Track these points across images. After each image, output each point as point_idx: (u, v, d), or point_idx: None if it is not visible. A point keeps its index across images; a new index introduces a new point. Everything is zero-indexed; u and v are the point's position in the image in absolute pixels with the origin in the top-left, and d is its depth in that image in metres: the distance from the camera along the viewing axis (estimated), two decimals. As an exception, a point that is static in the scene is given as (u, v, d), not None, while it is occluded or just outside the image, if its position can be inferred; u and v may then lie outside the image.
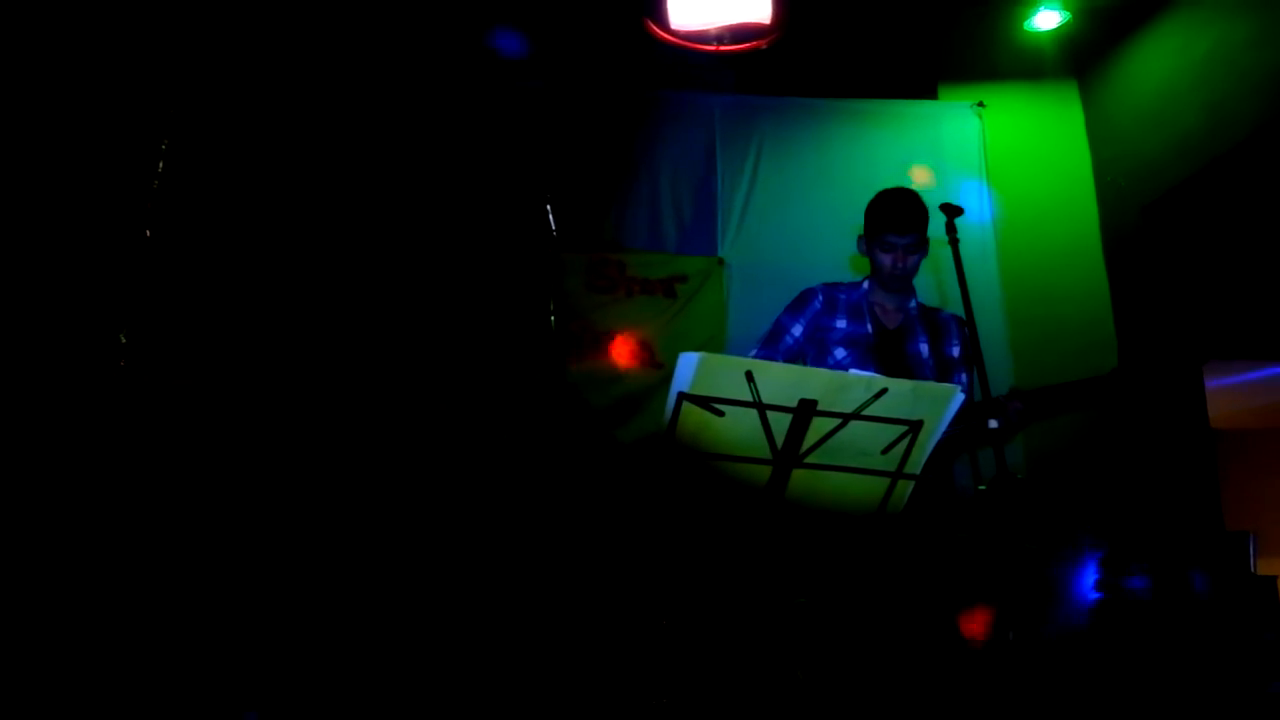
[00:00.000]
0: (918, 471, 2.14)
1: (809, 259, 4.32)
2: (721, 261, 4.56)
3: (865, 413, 2.05)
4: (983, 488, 2.48)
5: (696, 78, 4.72)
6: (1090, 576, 3.64)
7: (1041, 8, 4.57)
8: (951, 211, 2.56)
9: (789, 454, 2.07)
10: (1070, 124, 4.99)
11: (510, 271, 4.17)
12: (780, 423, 2.04)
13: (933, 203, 2.75)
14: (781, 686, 2.39)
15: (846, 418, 2.04)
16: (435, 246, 4.22)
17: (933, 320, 2.85)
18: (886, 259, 2.76)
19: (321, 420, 3.56)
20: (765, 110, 4.77)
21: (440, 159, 4.40)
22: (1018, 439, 4.23)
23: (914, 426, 2.08)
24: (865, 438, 2.08)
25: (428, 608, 3.16)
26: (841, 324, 2.82)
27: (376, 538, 3.32)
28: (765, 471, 2.09)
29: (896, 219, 2.74)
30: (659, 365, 4.34)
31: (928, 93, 4.95)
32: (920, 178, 4.54)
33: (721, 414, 2.04)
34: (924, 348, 2.79)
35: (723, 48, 4.40)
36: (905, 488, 2.15)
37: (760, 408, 2.01)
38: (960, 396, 2.09)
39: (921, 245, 2.76)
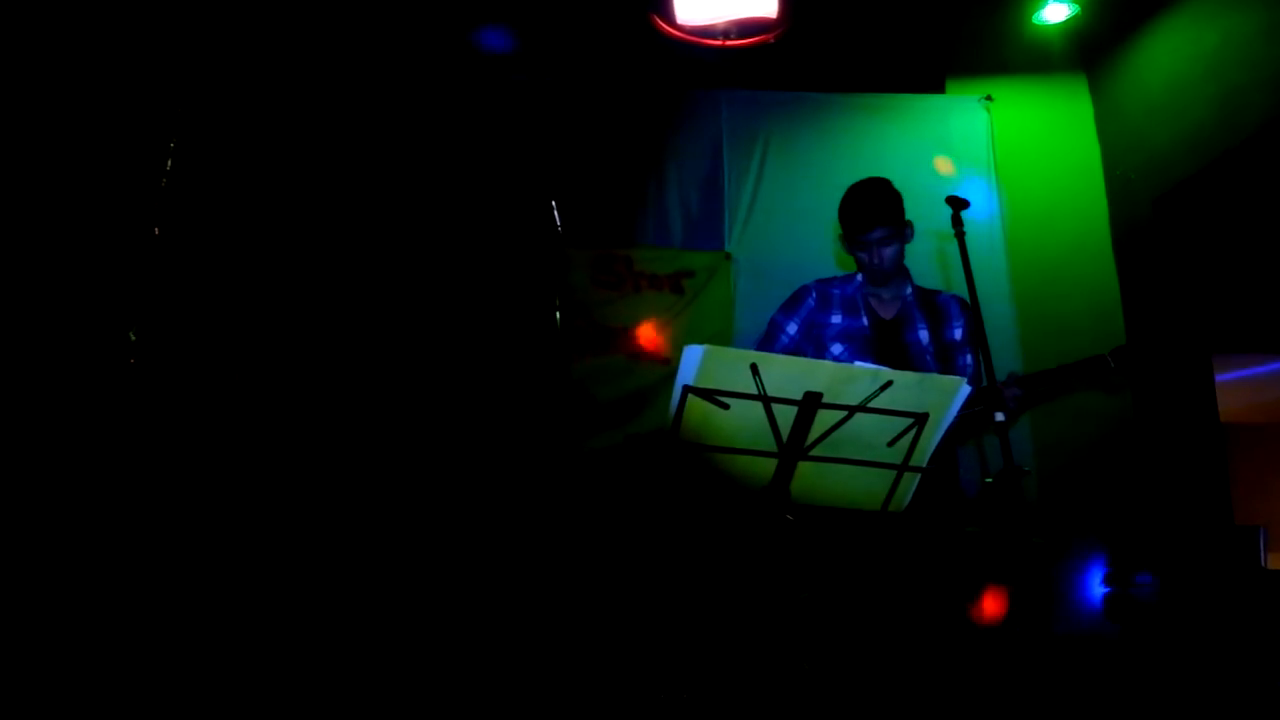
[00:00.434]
0: (924, 464, 2.13)
1: (816, 253, 4.31)
2: (729, 256, 4.55)
3: (871, 405, 2.04)
4: (989, 481, 2.47)
5: (703, 73, 4.71)
6: (1099, 571, 3.62)
7: (1050, 1, 4.54)
8: (957, 204, 2.56)
9: (794, 447, 2.07)
10: (1079, 117, 4.96)
11: (514, 268, 4.18)
12: (785, 415, 2.04)
13: (939, 195, 2.74)
14: (787, 680, 2.39)
15: (852, 410, 2.04)
16: (439, 243, 4.23)
17: (932, 304, 2.83)
18: (862, 256, 2.76)
19: (326, 414, 3.58)
20: (772, 105, 4.75)
21: (444, 156, 4.41)
22: (1026, 433, 4.21)
23: (920, 419, 2.07)
24: (871, 430, 2.08)
25: (432, 601, 3.17)
26: (836, 319, 2.81)
27: (382, 531, 3.34)
28: (770, 464, 2.09)
29: (857, 218, 2.74)
30: (666, 360, 4.33)
31: (935, 87, 4.92)
32: (943, 168, 4.51)
33: (726, 407, 2.04)
34: (923, 334, 2.78)
35: (729, 42, 4.39)
36: (911, 481, 2.14)
37: (765, 400, 2.01)
38: (966, 389, 2.09)
39: (895, 236, 2.74)
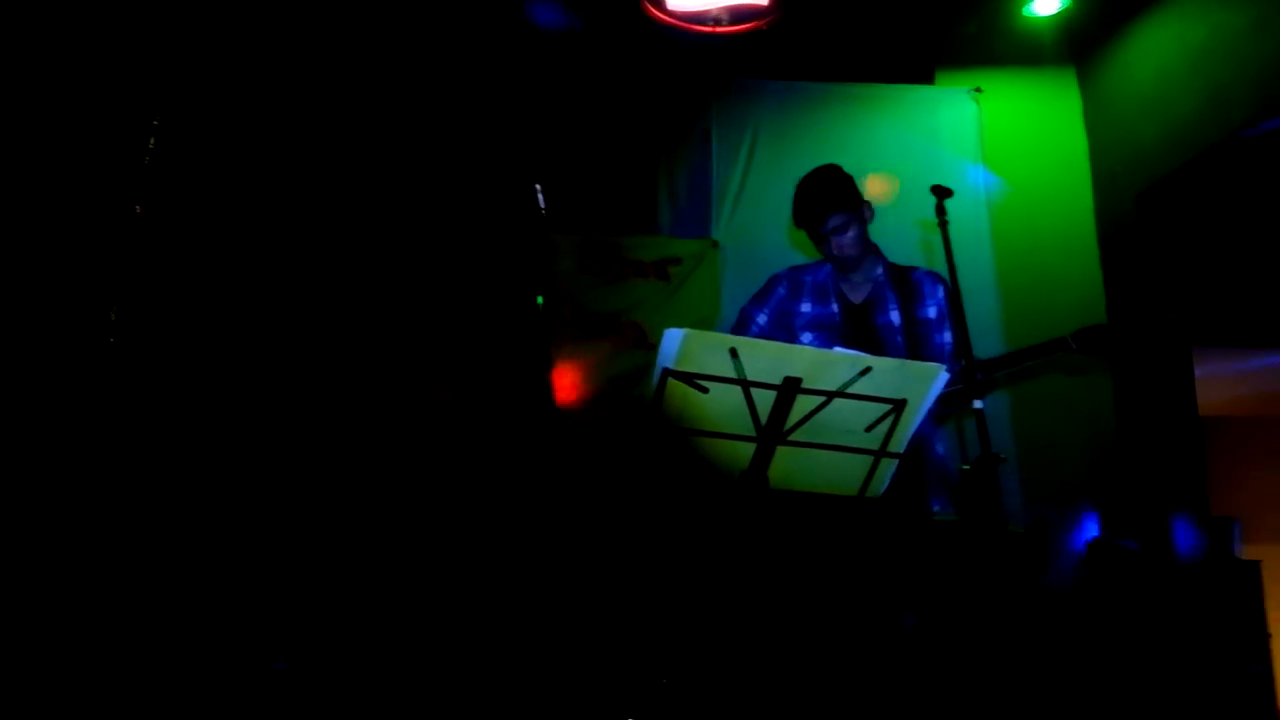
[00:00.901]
0: (901, 450, 2.15)
1: (803, 242, 4.32)
2: (716, 244, 4.56)
3: (850, 391, 2.06)
4: (966, 467, 2.49)
5: (693, 60, 4.70)
6: (1077, 557, 3.66)
7: (1041, -7, 4.55)
8: (941, 193, 2.56)
9: (773, 431, 2.09)
10: (1068, 110, 4.98)
11: (497, 253, 4.17)
12: (764, 400, 2.06)
13: (927, 185, 2.74)
14: (759, 662, 2.41)
15: (830, 395, 2.06)
16: (421, 228, 4.21)
17: (904, 282, 2.81)
18: (825, 247, 2.76)
19: (305, 401, 3.57)
20: (762, 93, 4.75)
21: (427, 141, 4.39)
22: (1006, 423, 4.24)
23: (898, 405, 2.09)
24: (849, 416, 2.10)
25: (411, 587, 3.18)
26: (806, 308, 2.81)
27: (362, 519, 3.34)
28: (749, 449, 2.11)
29: (810, 211, 2.74)
30: (651, 346, 4.34)
31: (925, 78, 4.93)
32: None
33: (706, 390, 2.06)
34: (895, 316, 2.76)
35: (720, 29, 4.39)
36: (888, 466, 2.16)
37: (745, 384, 2.02)
38: (945, 376, 2.10)
39: (851, 223, 2.74)
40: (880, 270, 2.83)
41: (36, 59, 3.38)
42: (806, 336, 2.76)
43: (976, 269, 4.38)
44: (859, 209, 2.76)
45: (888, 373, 2.07)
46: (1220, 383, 4.30)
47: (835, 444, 2.12)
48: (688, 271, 4.49)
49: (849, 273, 2.81)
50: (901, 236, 4.05)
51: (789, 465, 2.15)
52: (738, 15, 4.35)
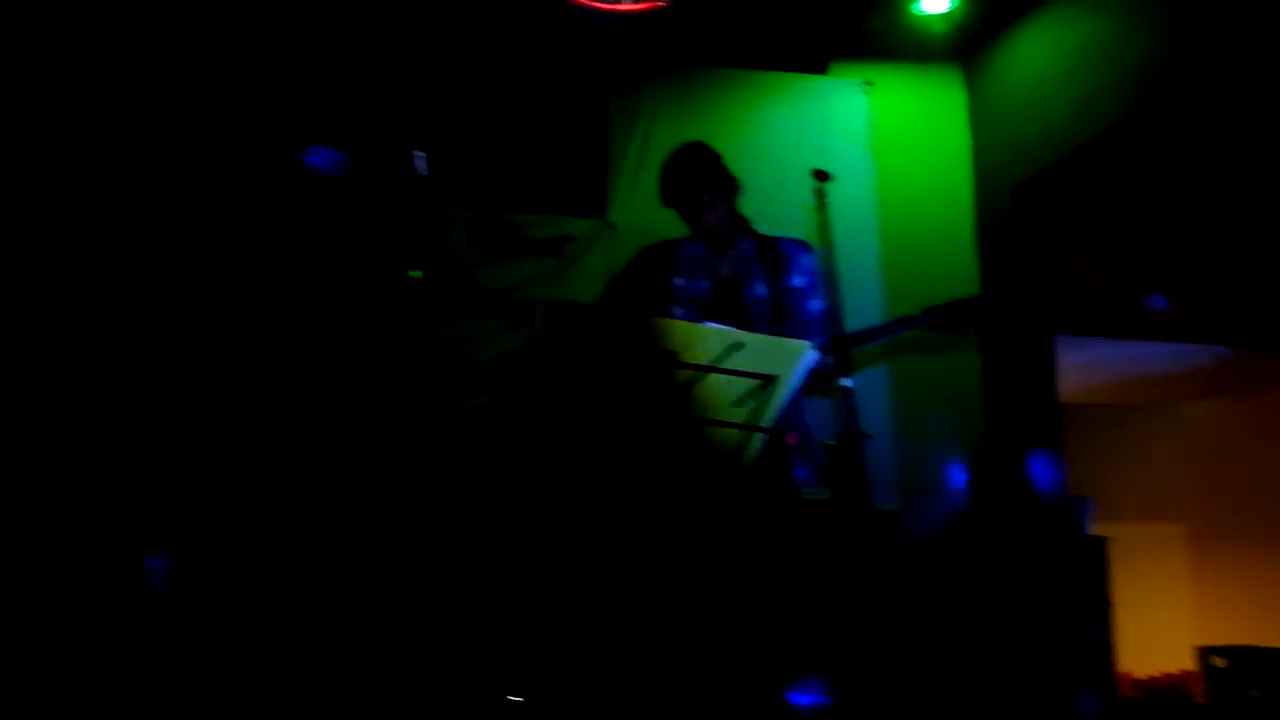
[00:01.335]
0: (770, 424, 2.22)
1: (697, 224, 4.38)
2: (611, 225, 4.58)
3: (720, 366, 2.12)
4: (832, 443, 2.59)
5: (593, 39, 4.69)
6: (942, 532, 3.86)
7: (930, -9, 4.70)
8: (821, 177, 2.63)
9: (646, 403, 2.13)
10: (954, 107, 5.16)
11: (370, 225, 4.03)
12: (638, 373, 2.09)
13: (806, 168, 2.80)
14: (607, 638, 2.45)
15: (701, 370, 2.11)
16: (287, 202, 4.05)
17: (772, 253, 2.87)
18: (693, 224, 2.82)
19: (156, 391, 3.43)
20: (660, 76, 4.78)
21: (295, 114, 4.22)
22: (885, 401, 4.39)
23: (767, 380, 2.16)
24: (719, 390, 2.15)
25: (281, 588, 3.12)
26: (680, 281, 2.86)
27: (223, 512, 3.24)
28: (622, 419, 2.14)
29: (674, 191, 2.80)
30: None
31: (819, 69, 5.04)
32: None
33: (586, 363, 2.08)
34: (761, 289, 2.83)
35: (620, 7, 4.39)
36: (756, 441, 2.23)
37: (616, 358, 2.06)
38: (813, 355, 2.18)
39: (718, 200, 2.79)
40: (749, 244, 2.89)
41: None
42: (677, 311, 2.80)
43: (862, 256, 4.53)
44: (728, 185, 2.81)
45: (757, 349, 2.13)
46: (1079, 371, 4.58)
47: (706, 418, 2.18)
48: (581, 251, 4.50)
49: (719, 248, 2.87)
50: (791, 221, 4.13)
51: (663, 437, 2.20)
52: (639, -6, 4.36)
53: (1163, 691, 4.82)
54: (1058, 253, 4.42)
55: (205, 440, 3.47)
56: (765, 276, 2.81)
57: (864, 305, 4.21)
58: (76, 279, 3.58)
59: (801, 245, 2.92)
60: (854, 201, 4.52)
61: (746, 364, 2.13)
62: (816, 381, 2.46)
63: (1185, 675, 4.84)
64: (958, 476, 4.24)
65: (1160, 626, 5.28)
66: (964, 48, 5.13)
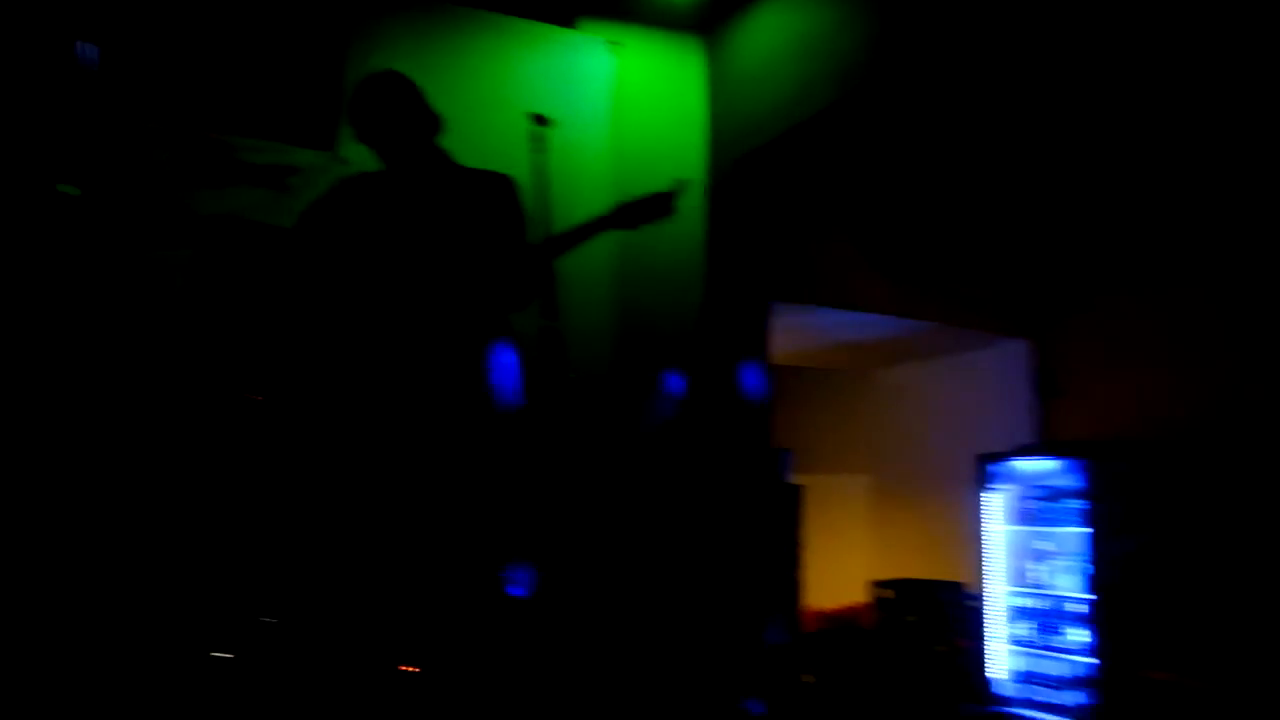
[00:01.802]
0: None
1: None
2: (342, 160, 4.32)
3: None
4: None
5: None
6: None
7: (679, -42, 4.84)
8: (541, 122, 2.61)
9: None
10: (694, 75, 5.38)
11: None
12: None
13: (556, 120, 2.77)
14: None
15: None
16: None
17: (471, 184, 2.84)
18: (389, 158, 2.78)
19: None
20: (402, 12, 4.57)
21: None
22: (605, 352, 4.53)
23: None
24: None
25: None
26: (370, 212, 2.77)
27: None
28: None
29: (369, 125, 2.74)
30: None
31: (566, 23, 5.04)
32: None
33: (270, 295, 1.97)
34: (459, 219, 2.79)
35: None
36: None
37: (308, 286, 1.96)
38: None
39: (421, 132, 2.75)
40: (448, 175, 2.84)
41: None
42: (367, 241, 2.71)
43: (594, 210, 4.61)
44: (424, 118, 2.75)
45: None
46: (786, 335, 4.98)
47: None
48: (306, 183, 4.21)
49: (416, 181, 2.80)
50: (518, 162, 4.15)
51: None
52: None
53: (841, 621, 5.43)
54: (777, 223, 4.75)
55: None
56: (464, 207, 2.75)
57: (594, 260, 4.32)
58: None
59: (501, 176, 2.88)
60: (588, 153, 4.60)
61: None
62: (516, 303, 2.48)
63: (860, 607, 5.48)
64: (675, 383, 4.45)
65: (845, 566, 5.93)
66: (706, 21, 5.34)
